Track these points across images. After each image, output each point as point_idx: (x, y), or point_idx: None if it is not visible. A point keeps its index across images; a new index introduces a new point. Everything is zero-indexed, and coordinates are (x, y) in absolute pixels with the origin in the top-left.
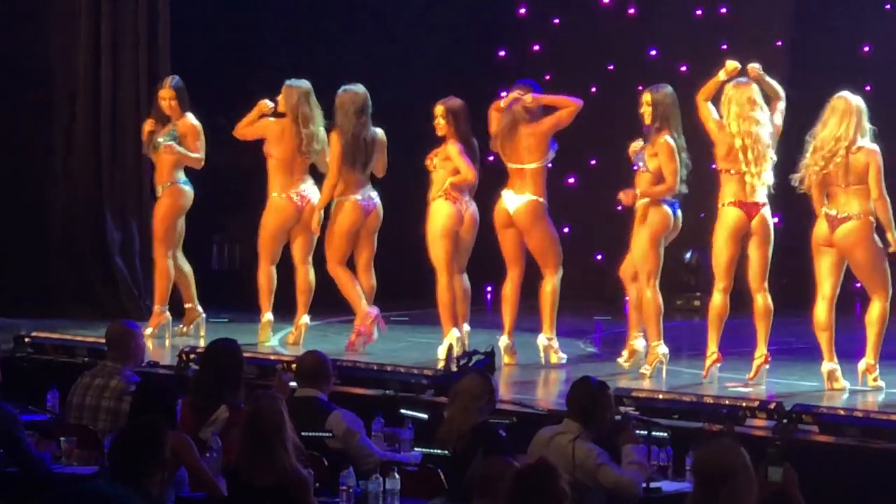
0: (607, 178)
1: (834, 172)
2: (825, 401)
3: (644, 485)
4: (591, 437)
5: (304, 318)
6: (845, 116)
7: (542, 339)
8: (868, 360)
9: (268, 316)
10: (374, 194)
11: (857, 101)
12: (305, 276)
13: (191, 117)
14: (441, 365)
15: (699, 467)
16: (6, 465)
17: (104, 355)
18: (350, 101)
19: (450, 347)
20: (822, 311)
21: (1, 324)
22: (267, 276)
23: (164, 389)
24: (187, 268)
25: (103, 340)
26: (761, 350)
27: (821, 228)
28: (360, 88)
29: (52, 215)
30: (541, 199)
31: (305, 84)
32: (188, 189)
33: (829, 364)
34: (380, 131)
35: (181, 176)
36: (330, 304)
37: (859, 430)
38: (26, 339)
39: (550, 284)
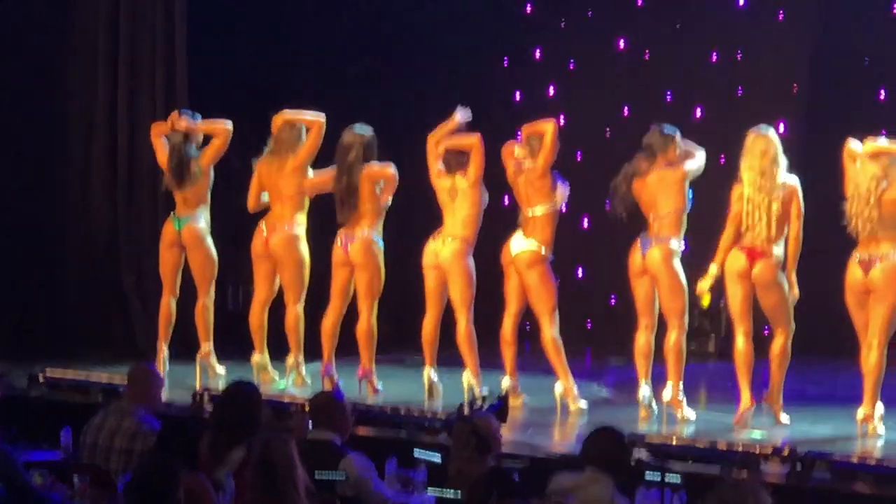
0: (621, 221)
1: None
2: (838, 447)
3: None
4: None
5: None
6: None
7: (557, 387)
8: (866, 409)
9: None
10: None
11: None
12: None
13: None
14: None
15: None
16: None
17: (119, 395)
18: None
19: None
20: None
21: (16, 363)
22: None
23: (189, 433)
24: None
25: (118, 380)
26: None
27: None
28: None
29: (68, 256)
30: (541, 249)
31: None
32: None
33: (866, 409)
34: None
35: None
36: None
37: (873, 478)
38: (41, 378)
39: (547, 334)
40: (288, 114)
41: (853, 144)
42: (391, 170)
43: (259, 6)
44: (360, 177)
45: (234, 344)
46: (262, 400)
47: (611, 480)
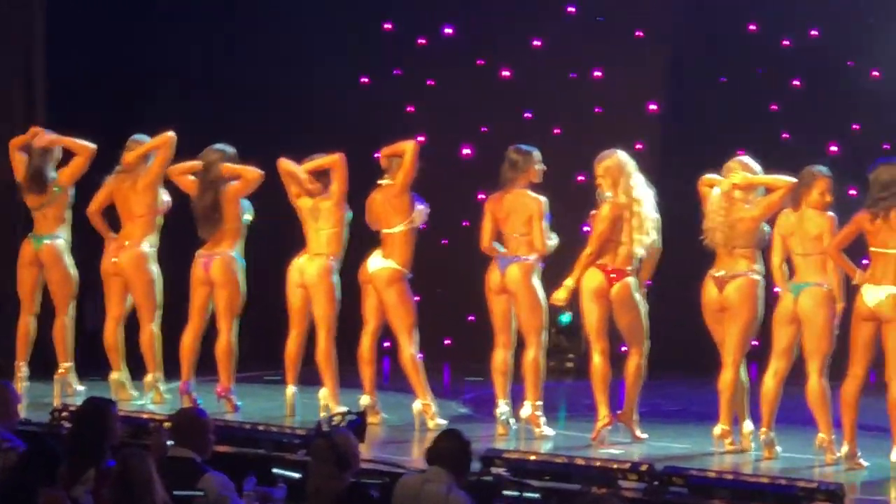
0: (479, 240)
1: None
2: (696, 463)
3: None
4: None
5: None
6: None
7: (416, 405)
8: (722, 425)
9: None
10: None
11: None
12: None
13: None
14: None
15: None
16: None
17: None
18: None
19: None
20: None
21: None
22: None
23: (52, 452)
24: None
25: None
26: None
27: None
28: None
29: None
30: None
31: None
32: None
33: (723, 426)
34: None
35: None
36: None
37: (729, 493)
38: None
39: (406, 352)
40: (138, 149)
41: (709, 175)
42: (252, 173)
43: (120, 16)
44: (222, 194)
45: (93, 361)
46: (117, 415)
47: (451, 476)
